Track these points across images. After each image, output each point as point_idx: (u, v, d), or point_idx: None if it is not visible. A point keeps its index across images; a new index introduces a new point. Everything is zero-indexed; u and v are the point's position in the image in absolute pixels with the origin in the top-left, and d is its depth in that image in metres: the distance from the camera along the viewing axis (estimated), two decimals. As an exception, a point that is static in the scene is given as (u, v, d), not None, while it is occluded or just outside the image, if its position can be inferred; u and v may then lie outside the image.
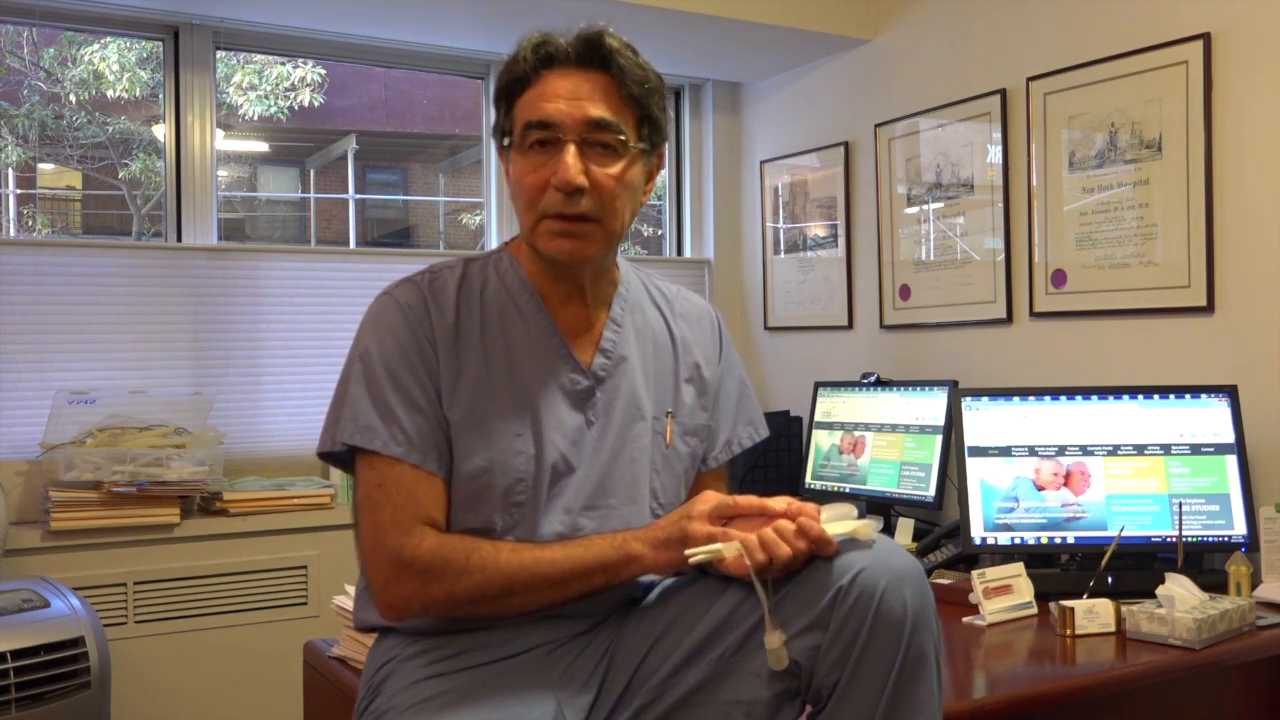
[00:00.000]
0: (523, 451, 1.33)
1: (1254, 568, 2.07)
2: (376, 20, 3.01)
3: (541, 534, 1.33)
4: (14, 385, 2.71)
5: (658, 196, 3.77)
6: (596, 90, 1.32)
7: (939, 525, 2.62)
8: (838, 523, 1.23)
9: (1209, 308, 2.38)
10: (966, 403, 2.32)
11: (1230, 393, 2.26)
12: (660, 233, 3.89)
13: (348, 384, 1.34)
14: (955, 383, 2.72)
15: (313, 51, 3.27)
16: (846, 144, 3.33)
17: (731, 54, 3.37)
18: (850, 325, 3.33)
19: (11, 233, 3.52)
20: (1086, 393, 2.31)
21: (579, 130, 1.30)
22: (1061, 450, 2.27)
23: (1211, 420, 2.25)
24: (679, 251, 3.81)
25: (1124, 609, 1.90)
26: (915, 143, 3.08)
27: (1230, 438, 2.24)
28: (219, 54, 3.09)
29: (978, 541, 2.24)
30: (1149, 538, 2.19)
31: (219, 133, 3.07)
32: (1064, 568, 2.25)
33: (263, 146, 4.11)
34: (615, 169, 1.32)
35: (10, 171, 3.50)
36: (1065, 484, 2.25)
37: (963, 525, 2.26)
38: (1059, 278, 2.68)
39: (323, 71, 3.92)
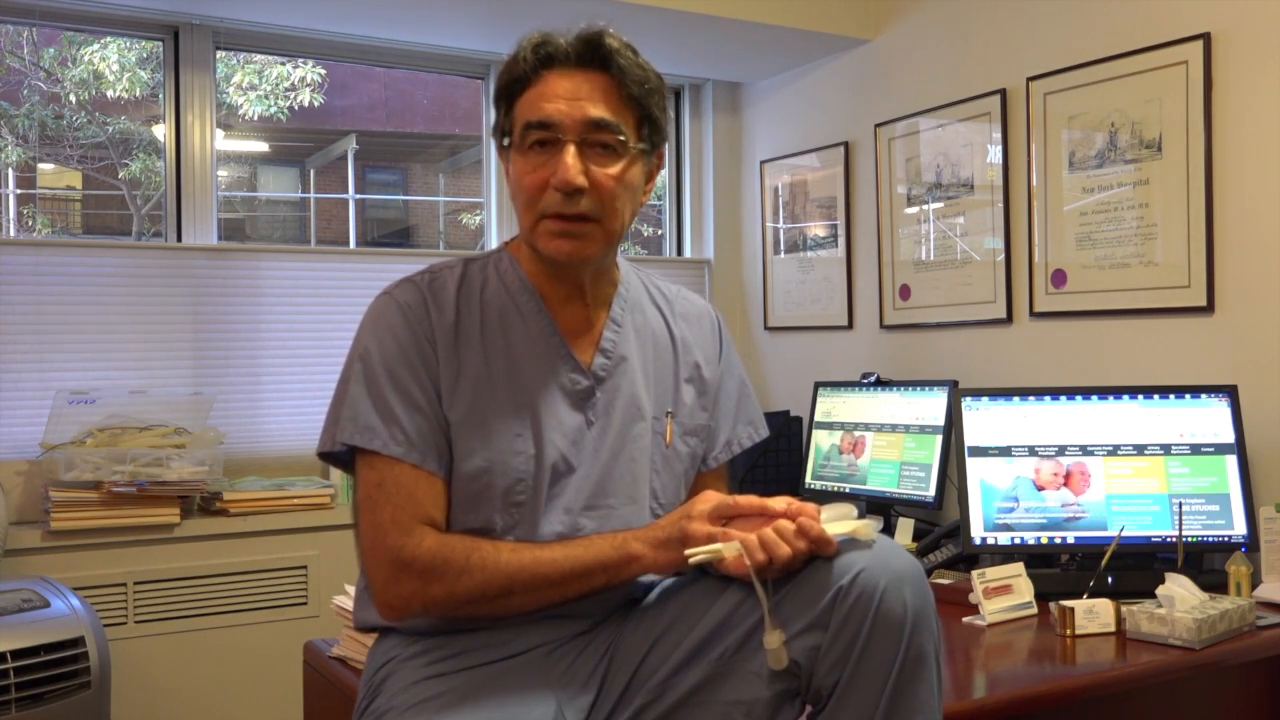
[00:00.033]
0: (523, 451, 1.33)
1: (1254, 568, 2.07)
2: (376, 20, 3.01)
3: (541, 534, 1.33)
4: (14, 385, 2.71)
5: (658, 196, 3.77)
6: (596, 90, 1.32)
7: (939, 525, 2.62)
8: (838, 523, 1.23)
9: (1209, 308, 2.39)
10: (966, 403, 2.32)
11: (1230, 393, 2.26)
12: (660, 233, 3.89)
13: (347, 384, 1.34)
14: (955, 383, 2.72)
15: (313, 51, 3.27)
16: (846, 144, 3.32)
17: (731, 54, 3.37)
18: (850, 325, 3.33)
19: (11, 233, 3.52)
20: (1086, 393, 2.31)
21: (579, 130, 1.30)
22: (1061, 450, 2.27)
23: (1211, 420, 2.25)
24: (679, 251, 3.81)
25: (1124, 609, 1.90)
26: (915, 143, 3.08)
27: (1230, 438, 2.24)
28: (219, 54, 3.09)
29: (978, 541, 2.24)
30: (1149, 538, 2.19)
31: (219, 133, 3.07)
32: (1064, 568, 2.25)
33: (263, 146, 4.11)
34: (615, 169, 1.32)
35: (10, 171, 3.50)
36: (1065, 484, 2.25)
37: (963, 525, 2.26)
38: (1059, 278, 2.68)
39: (323, 71, 3.92)
